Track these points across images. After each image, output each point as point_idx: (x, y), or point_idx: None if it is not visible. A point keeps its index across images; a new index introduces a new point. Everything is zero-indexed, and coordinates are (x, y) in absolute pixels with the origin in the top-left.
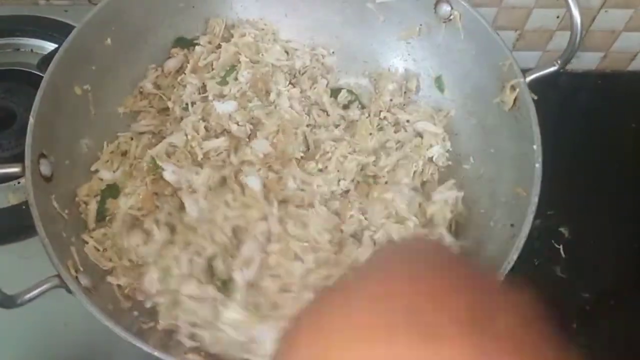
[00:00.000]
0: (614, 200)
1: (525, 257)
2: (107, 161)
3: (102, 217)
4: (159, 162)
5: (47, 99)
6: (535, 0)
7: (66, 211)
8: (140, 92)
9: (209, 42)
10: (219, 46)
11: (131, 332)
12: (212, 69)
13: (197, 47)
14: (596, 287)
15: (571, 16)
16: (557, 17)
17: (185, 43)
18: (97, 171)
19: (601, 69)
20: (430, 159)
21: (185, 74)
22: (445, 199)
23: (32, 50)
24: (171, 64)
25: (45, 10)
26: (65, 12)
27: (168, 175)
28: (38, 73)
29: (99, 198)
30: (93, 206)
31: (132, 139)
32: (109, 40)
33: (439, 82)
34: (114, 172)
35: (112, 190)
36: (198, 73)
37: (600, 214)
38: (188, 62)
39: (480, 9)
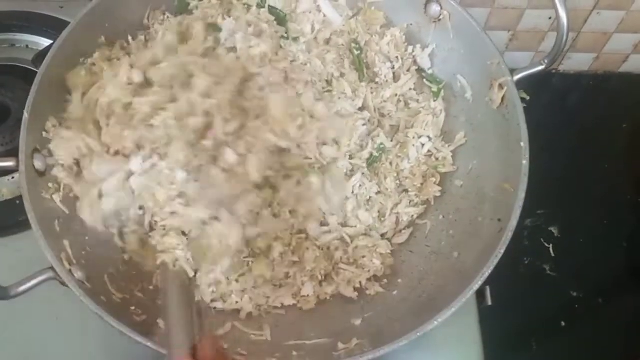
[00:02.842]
0: (603, 200)
1: (515, 256)
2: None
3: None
4: None
5: (42, 94)
6: (528, 1)
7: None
8: None
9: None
10: None
11: (124, 324)
12: None
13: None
14: (585, 286)
15: (558, 16)
16: (549, 18)
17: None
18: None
19: (593, 70)
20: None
21: None
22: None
23: (27, 46)
24: None
25: (41, 6)
26: (61, 8)
27: None
28: (33, 69)
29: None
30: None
31: None
32: (102, 38)
33: (429, 81)
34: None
35: None
36: None
37: (590, 214)
38: None
39: (473, 9)
